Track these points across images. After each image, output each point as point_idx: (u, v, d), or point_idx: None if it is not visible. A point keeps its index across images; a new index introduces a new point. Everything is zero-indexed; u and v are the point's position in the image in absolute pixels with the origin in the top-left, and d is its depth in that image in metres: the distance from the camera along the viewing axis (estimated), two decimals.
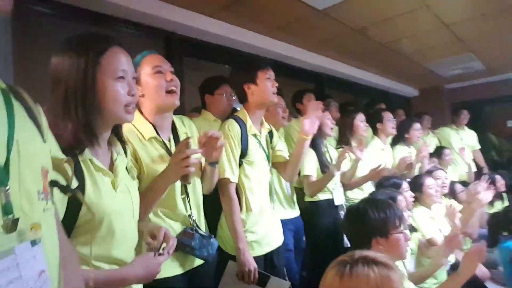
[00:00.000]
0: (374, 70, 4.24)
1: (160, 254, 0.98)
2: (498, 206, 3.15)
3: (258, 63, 1.71)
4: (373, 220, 1.34)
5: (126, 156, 1.04)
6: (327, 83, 3.88)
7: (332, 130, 2.37)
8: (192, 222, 1.30)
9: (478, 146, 4.11)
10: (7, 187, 0.50)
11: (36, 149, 0.59)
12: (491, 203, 2.95)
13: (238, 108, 1.76)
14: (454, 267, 2.00)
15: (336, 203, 2.30)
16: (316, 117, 1.63)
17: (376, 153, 2.74)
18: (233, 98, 2.12)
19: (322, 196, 2.28)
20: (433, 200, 2.36)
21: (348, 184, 2.50)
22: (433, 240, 2.14)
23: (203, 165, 1.39)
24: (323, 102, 1.74)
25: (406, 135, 3.02)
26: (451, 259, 2.01)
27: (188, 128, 1.41)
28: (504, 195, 3.32)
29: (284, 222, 1.88)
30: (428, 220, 2.26)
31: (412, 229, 2.09)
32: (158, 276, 1.00)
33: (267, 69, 1.64)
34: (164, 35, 2.40)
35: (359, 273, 0.77)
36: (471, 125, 4.10)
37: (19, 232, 0.51)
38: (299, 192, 2.37)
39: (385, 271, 0.77)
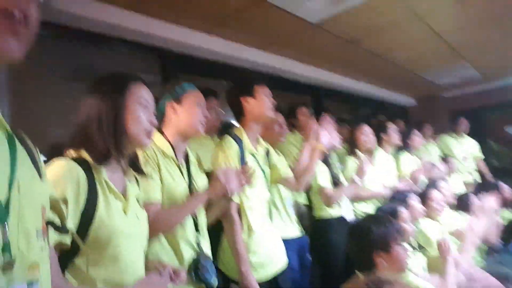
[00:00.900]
0: (370, 81, 4.25)
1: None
2: (506, 215, 3.02)
3: (256, 78, 1.71)
4: (374, 235, 1.40)
5: (139, 188, 1.08)
6: (323, 95, 3.88)
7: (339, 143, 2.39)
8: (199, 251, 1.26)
9: (481, 155, 4.07)
10: (6, 226, 0.51)
11: (36, 188, 0.61)
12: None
13: (232, 121, 1.74)
14: None
15: (347, 218, 2.27)
16: (327, 131, 1.77)
17: (382, 164, 2.75)
18: (221, 111, 2.09)
19: (333, 213, 2.25)
20: (437, 214, 2.36)
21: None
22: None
23: None
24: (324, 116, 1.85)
25: (408, 141, 3.07)
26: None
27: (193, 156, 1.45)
28: None
29: (286, 241, 1.81)
30: (434, 233, 2.21)
31: (420, 247, 2.05)
32: None
33: (265, 86, 1.65)
34: (160, 53, 2.40)
35: None
36: (470, 132, 4.08)
37: (15, 272, 0.51)
38: (307, 209, 2.32)
39: None
